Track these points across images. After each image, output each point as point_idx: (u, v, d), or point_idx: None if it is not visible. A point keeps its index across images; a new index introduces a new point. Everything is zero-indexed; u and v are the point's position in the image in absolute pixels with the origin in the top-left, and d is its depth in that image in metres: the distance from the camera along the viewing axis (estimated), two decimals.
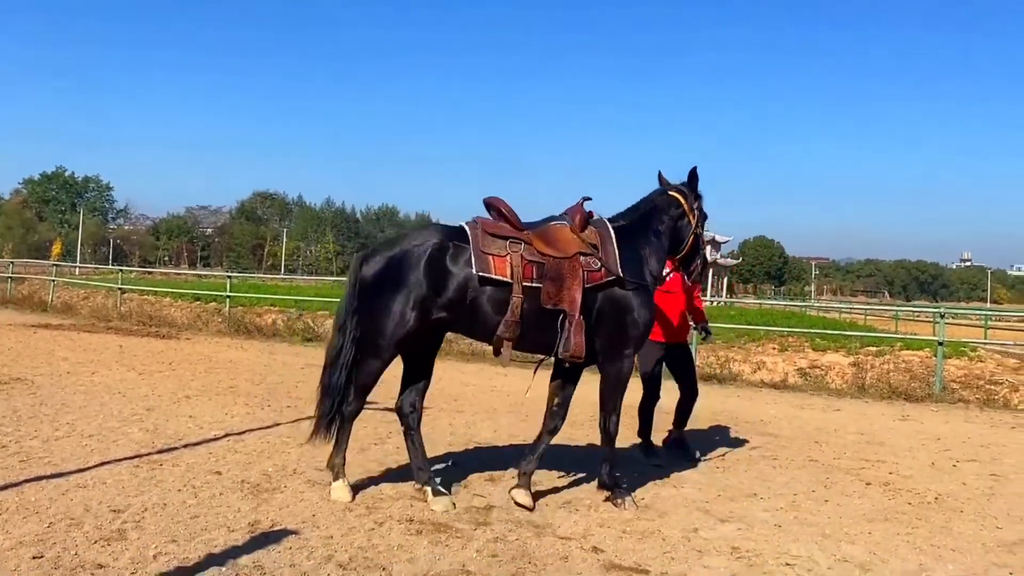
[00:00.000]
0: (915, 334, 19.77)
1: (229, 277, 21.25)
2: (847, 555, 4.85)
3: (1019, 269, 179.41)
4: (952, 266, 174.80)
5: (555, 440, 7.69)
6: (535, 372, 6.19)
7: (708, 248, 6.70)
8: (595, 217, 5.90)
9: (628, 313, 5.74)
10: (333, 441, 5.67)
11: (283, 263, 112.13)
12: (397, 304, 5.41)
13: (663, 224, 6.14)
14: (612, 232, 5.78)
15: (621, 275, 5.64)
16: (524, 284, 5.43)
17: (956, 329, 24.69)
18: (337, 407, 5.68)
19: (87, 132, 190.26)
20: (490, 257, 5.40)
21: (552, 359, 5.96)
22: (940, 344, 12.97)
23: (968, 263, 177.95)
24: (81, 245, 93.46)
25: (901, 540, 5.20)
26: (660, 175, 6.47)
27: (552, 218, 5.83)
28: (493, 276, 5.38)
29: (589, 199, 5.91)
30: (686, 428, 7.57)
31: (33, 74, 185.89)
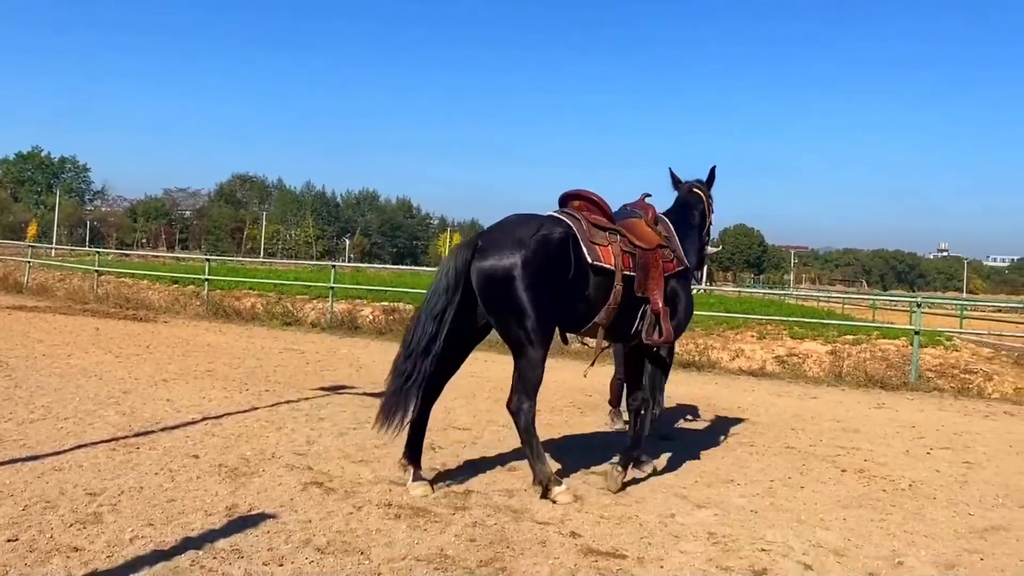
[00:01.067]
0: (892, 323, 19.92)
1: (208, 260, 21.07)
2: (822, 541, 4.90)
3: (995, 260, 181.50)
4: (929, 256, 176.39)
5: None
6: (595, 360, 6.30)
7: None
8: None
9: (681, 301, 6.15)
10: (530, 459, 5.45)
11: (262, 246, 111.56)
12: (541, 292, 5.28)
13: (695, 219, 6.61)
14: (673, 229, 6.24)
15: (688, 266, 6.14)
16: (623, 273, 5.66)
17: (932, 318, 24.93)
18: (412, 393, 5.42)
19: (64, 112, 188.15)
20: (597, 247, 5.59)
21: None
22: (916, 333, 13.09)
23: (945, 253, 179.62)
24: (57, 226, 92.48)
25: (875, 526, 5.26)
26: (672, 172, 6.84)
27: (623, 211, 6.16)
28: (603, 265, 5.57)
29: (650, 195, 6.36)
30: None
31: (7, 54, 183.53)
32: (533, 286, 5.21)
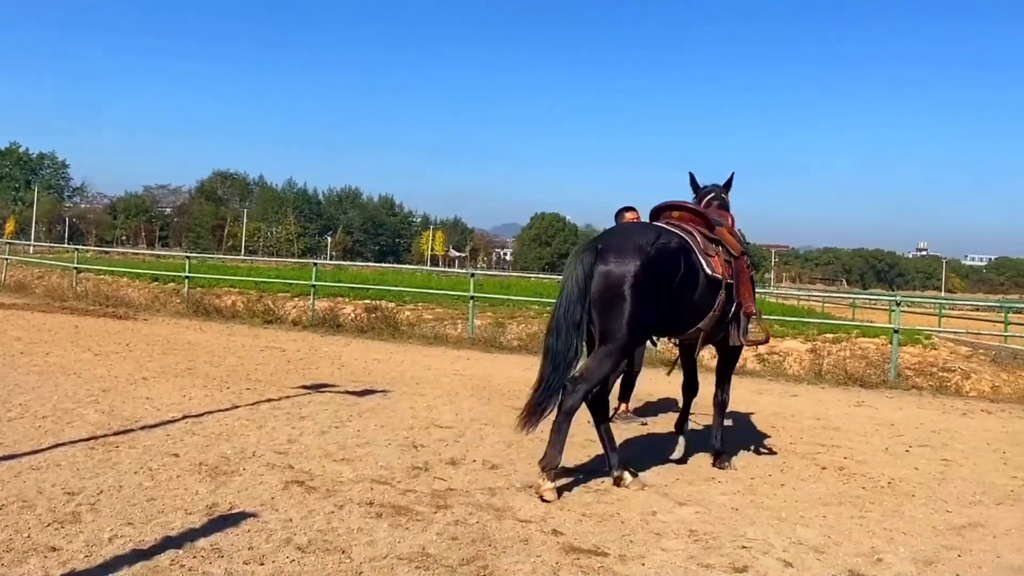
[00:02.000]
0: (871, 322, 20.08)
1: (188, 258, 20.95)
2: (802, 538, 4.93)
3: (973, 259, 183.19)
4: (908, 255, 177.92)
5: (513, 423, 7.72)
6: (675, 363, 6.98)
7: None
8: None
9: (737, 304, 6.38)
10: (551, 438, 5.56)
11: (243, 244, 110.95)
12: (658, 299, 5.54)
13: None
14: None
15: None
16: (727, 282, 6.02)
17: (911, 317, 25.15)
18: (556, 402, 5.57)
19: (43, 108, 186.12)
20: (710, 258, 5.92)
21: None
22: (896, 332, 13.19)
23: (924, 252, 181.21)
24: (36, 223, 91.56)
25: (855, 523, 5.30)
26: (692, 176, 7.12)
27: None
28: (715, 275, 5.91)
29: (711, 194, 6.74)
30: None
31: None
32: (644, 292, 5.42)
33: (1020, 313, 25.64)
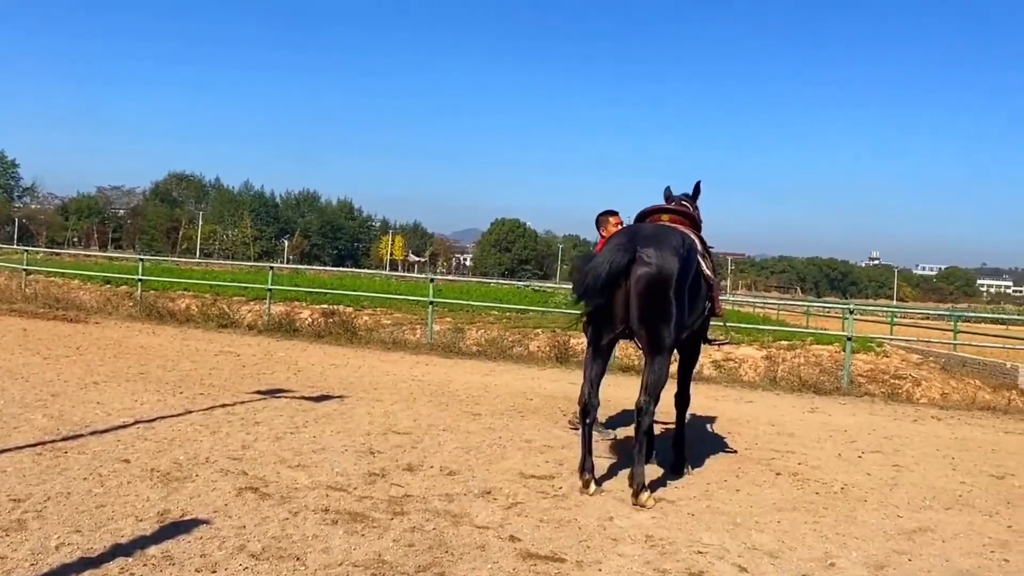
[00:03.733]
0: (825, 329, 20.36)
1: (141, 260, 20.57)
2: (757, 543, 4.97)
3: (924, 268, 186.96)
4: (861, 264, 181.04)
5: (471, 429, 7.74)
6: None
7: None
8: None
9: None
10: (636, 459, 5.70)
11: (198, 247, 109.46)
12: (691, 298, 5.75)
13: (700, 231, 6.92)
14: None
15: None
16: (709, 282, 6.16)
17: (864, 325, 25.57)
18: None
19: None
20: (705, 259, 6.09)
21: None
22: (849, 339, 13.38)
23: (876, 261, 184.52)
24: None
25: (808, 528, 5.36)
26: (668, 189, 7.13)
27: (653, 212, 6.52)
28: (710, 275, 6.10)
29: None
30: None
31: None
32: (681, 293, 5.56)
33: (969, 322, 26.21)
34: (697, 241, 6.14)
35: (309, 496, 5.28)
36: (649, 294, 5.46)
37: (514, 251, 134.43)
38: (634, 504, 5.55)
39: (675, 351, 6.29)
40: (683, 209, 6.47)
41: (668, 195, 7.14)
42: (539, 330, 15.13)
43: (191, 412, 7.63)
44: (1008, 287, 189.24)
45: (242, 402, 8.29)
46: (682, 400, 6.98)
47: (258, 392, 8.93)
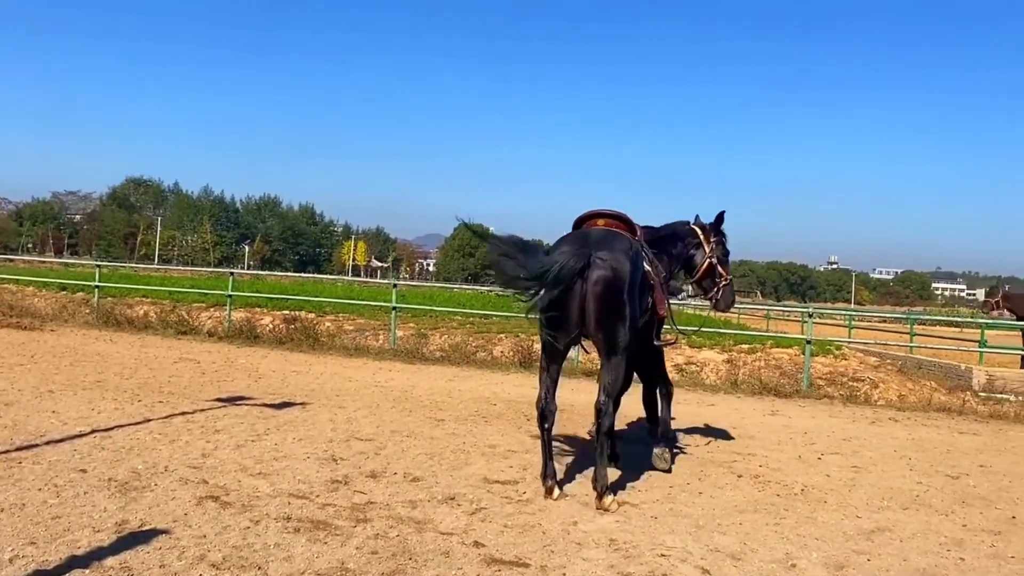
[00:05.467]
0: (785, 333, 20.61)
1: (98, 266, 20.24)
2: (719, 545, 5.01)
3: (881, 272, 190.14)
4: (820, 268, 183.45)
5: (435, 435, 7.71)
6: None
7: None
8: None
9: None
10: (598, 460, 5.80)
11: (157, 253, 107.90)
12: (640, 299, 5.91)
13: (676, 248, 7.23)
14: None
15: (667, 275, 6.87)
16: (650, 284, 6.25)
17: (823, 328, 25.90)
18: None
19: None
20: (646, 261, 6.23)
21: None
22: (808, 343, 13.55)
23: (835, 266, 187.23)
24: None
25: (770, 530, 5.42)
26: (697, 217, 7.49)
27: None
28: (653, 278, 6.26)
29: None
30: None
31: None
32: (633, 293, 5.71)
33: (924, 324, 26.66)
34: (640, 245, 6.30)
35: (271, 504, 5.23)
36: (606, 296, 5.55)
37: (478, 256, 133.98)
38: (597, 508, 5.57)
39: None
40: (618, 213, 6.56)
41: (697, 220, 7.46)
42: (503, 335, 15.13)
43: (150, 420, 7.52)
44: (962, 290, 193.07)
45: (202, 410, 8.19)
46: (650, 400, 7.30)
47: (218, 399, 8.82)
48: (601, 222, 6.42)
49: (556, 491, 5.81)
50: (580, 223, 6.53)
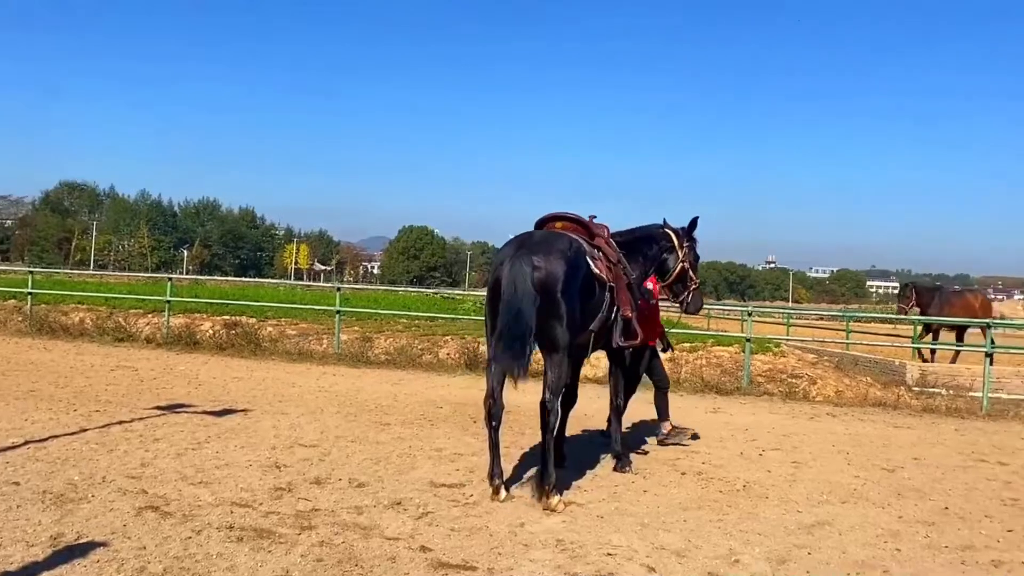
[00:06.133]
0: (725, 331, 20.90)
1: (31, 272, 19.68)
2: (664, 543, 5.07)
3: (817, 271, 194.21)
4: (759, 268, 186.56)
5: (380, 439, 7.67)
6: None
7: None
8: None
9: (636, 309, 6.77)
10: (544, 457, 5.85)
11: (93, 258, 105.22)
12: (582, 299, 5.99)
13: (651, 251, 7.37)
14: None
15: (635, 275, 6.95)
16: (609, 284, 6.33)
17: (762, 326, 26.33)
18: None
19: None
20: (597, 261, 6.25)
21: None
22: (748, 341, 13.76)
23: (773, 265, 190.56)
24: None
25: (713, 526, 5.50)
26: (664, 221, 7.65)
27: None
28: (602, 276, 6.24)
29: (595, 216, 6.96)
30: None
31: None
32: (571, 294, 5.79)
33: (860, 321, 27.32)
34: (585, 245, 6.30)
35: (213, 513, 5.14)
36: (541, 297, 5.64)
37: (422, 258, 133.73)
38: (543, 509, 5.61)
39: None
40: (573, 216, 6.71)
41: (665, 223, 7.62)
42: (448, 337, 15.09)
43: (86, 430, 7.33)
44: (895, 288, 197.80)
45: (140, 418, 8.02)
46: (613, 405, 7.31)
47: (157, 407, 8.64)
48: (558, 225, 6.62)
49: (503, 492, 5.82)
50: (539, 225, 6.71)
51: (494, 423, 5.89)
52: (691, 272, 7.57)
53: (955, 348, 17.89)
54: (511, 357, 5.54)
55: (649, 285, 7.67)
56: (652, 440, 8.43)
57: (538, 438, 6.13)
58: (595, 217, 7.11)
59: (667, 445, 8.12)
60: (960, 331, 18.49)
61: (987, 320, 15.54)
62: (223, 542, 4.62)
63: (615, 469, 6.99)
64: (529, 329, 5.57)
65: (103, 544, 4.45)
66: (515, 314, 5.56)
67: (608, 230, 6.99)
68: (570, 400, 7.03)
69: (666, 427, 8.30)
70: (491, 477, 5.91)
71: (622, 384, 7.35)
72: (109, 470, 6.01)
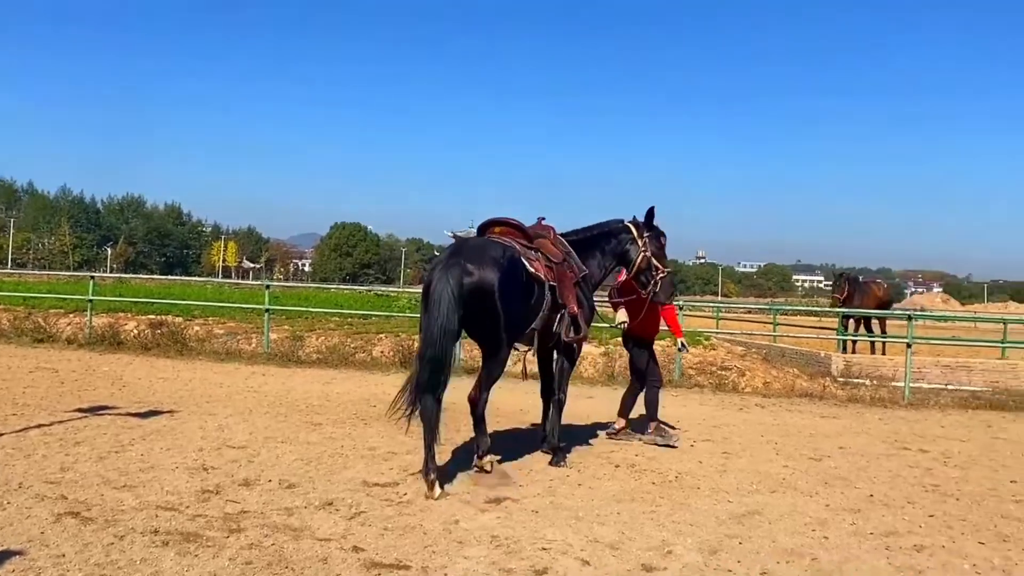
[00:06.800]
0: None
1: None
2: (599, 536, 5.09)
3: (745, 265, 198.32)
4: (689, 263, 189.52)
5: (312, 439, 7.54)
6: (524, 363, 8.18)
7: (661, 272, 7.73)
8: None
9: (584, 305, 7.15)
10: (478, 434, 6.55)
11: (10, 256, 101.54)
12: (520, 301, 6.32)
13: (609, 245, 7.66)
14: (568, 244, 7.24)
15: (586, 272, 7.23)
16: (550, 283, 6.65)
17: (693, 320, 26.74)
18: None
19: None
20: (533, 262, 6.53)
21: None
22: None
23: (703, 260, 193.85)
24: None
25: (646, 518, 5.54)
26: (635, 218, 7.83)
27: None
28: (540, 276, 6.53)
29: (544, 218, 7.36)
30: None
31: None
32: (507, 297, 6.10)
33: (786, 315, 27.94)
34: (519, 248, 6.57)
35: (137, 518, 4.98)
36: (472, 301, 5.99)
37: (355, 255, 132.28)
38: (474, 466, 6.36)
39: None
40: (513, 221, 7.02)
41: (635, 220, 7.80)
42: (383, 335, 14.94)
43: (2, 435, 7.05)
44: (820, 281, 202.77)
45: (60, 421, 7.74)
46: (556, 401, 7.44)
47: (79, 410, 8.36)
48: (497, 229, 6.94)
49: (437, 488, 5.79)
50: (481, 230, 7.08)
51: (430, 421, 5.94)
52: (655, 261, 7.69)
53: (872, 340, 18.46)
54: (428, 389, 5.93)
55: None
56: (575, 432, 8.47)
57: (465, 436, 6.10)
58: (544, 219, 7.41)
59: (650, 444, 8.10)
60: (871, 321, 19.08)
61: (908, 312, 16.06)
62: (147, 547, 4.48)
63: (551, 463, 7.00)
64: (448, 348, 5.92)
65: (19, 553, 4.27)
66: (439, 328, 5.87)
67: (555, 231, 7.28)
68: (548, 393, 7.53)
69: (652, 426, 8.32)
70: (425, 474, 5.87)
71: (566, 379, 7.45)
72: (26, 476, 5.78)
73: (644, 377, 8.45)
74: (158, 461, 6.44)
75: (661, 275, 7.70)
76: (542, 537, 5.00)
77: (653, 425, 8.30)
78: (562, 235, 7.40)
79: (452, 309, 5.87)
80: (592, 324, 7.78)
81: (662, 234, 7.85)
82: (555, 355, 7.46)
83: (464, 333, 6.47)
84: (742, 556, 4.88)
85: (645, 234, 7.71)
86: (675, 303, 8.43)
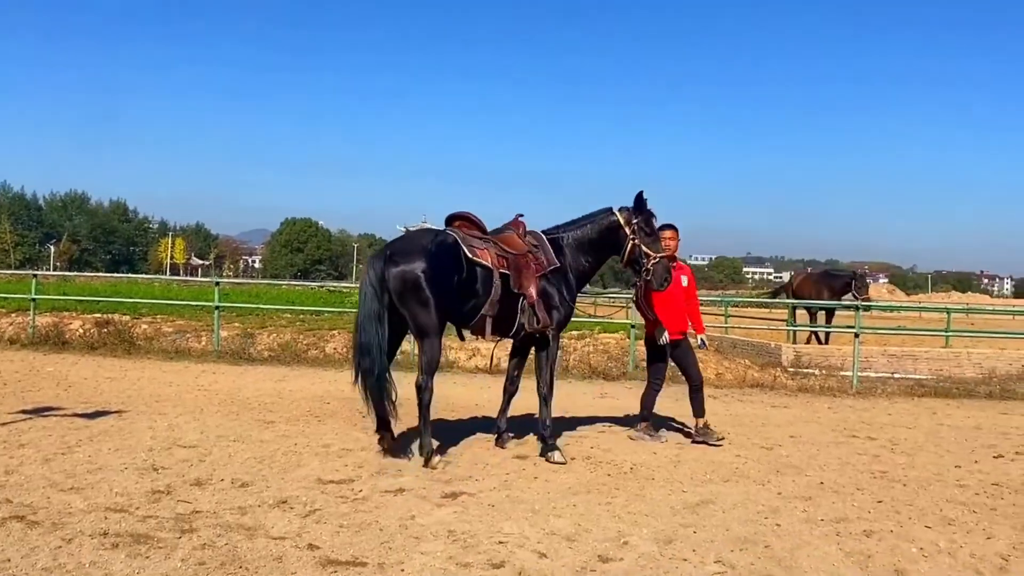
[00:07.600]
0: (611, 318, 21.29)
1: None
2: (555, 528, 5.11)
3: (696, 258, 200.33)
4: None
5: (265, 437, 7.46)
6: (492, 353, 8.80)
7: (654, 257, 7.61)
8: (529, 228, 7.51)
9: (554, 296, 7.30)
10: (423, 430, 6.73)
11: None
12: (453, 284, 6.56)
13: (596, 236, 7.62)
14: (544, 238, 7.42)
15: (558, 265, 7.31)
16: (500, 271, 6.85)
17: None
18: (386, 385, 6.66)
19: None
20: (476, 249, 6.81)
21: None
22: (632, 327, 14.06)
23: None
24: None
25: (602, 510, 5.57)
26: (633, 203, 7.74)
27: (498, 230, 7.37)
28: (482, 261, 6.76)
29: (522, 215, 7.61)
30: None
31: None
32: (435, 283, 6.42)
33: (737, 306, 28.30)
34: (465, 237, 6.86)
35: (85, 520, 4.87)
36: (396, 290, 6.46)
37: (307, 251, 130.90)
38: (424, 465, 6.46)
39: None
40: (469, 216, 7.31)
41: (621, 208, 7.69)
42: (335, 331, 14.82)
43: None
44: (770, 273, 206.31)
45: (3, 423, 7.55)
46: (541, 394, 7.49)
47: (23, 411, 8.16)
48: (456, 223, 7.23)
49: (388, 440, 6.81)
50: (447, 224, 7.30)
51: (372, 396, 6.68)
52: (645, 248, 7.51)
53: (826, 330, 18.80)
54: (366, 373, 6.60)
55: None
56: (530, 426, 8.49)
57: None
58: (521, 216, 7.60)
59: (698, 443, 8.09)
60: (815, 312, 19.48)
61: (856, 303, 16.40)
62: (97, 550, 4.38)
63: (540, 455, 7.11)
64: (375, 332, 6.51)
65: None
66: (364, 314, 6.58)
67: (524, 227, 7.45)
68: (512, 387, 7.88)
69: (700, 422, 8.28)
70: (377, 429, 6.82)
71: (547, 371, 7.44)
72: None
73: (662, 374, 8.63)
74: (106, 462, 6.31)
75: (654, 261, 7.55)
76: (499, 531, 5.01)
77: (644, 424, 8.34)
78: (546, 230, 7.53)
79: (373, 297, 6.49)
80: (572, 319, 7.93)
81: (653, 216, 7.66)
82: (532, 350, 7.61)
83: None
84: (697, 545, 4.94)
85: (634, 220, 7.53)
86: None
